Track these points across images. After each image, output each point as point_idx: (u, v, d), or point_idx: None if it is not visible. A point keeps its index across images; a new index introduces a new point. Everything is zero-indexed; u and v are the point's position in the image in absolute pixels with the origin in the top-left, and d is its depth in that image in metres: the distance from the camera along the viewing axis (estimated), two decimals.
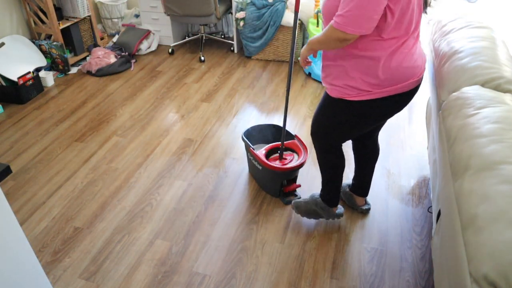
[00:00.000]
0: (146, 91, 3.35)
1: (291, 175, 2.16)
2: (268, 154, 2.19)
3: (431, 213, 2.07)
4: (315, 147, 1.86)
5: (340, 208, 2.04)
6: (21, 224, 2.09)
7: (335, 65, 1.56)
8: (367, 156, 1.97)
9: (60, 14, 3.57)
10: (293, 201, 2.09)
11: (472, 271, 0.94)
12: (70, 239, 2.01)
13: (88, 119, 2.99)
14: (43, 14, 3.45)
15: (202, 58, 3.82)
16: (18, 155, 2.61)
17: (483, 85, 1.52)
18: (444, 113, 1.50)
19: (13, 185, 2.36)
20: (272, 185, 2.21)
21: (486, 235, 0.97)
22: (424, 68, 1.60)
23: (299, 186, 2.23)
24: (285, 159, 2.19)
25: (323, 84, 1.65)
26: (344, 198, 2.18)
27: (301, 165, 2.10)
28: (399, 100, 1.58)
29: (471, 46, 1.71)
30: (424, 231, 2.01)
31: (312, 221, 2.08)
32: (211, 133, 2.78)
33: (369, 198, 2.22)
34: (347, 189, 2.16)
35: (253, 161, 2.23)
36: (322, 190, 1.99)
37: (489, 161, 1.14)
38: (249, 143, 2.21)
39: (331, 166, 1.87)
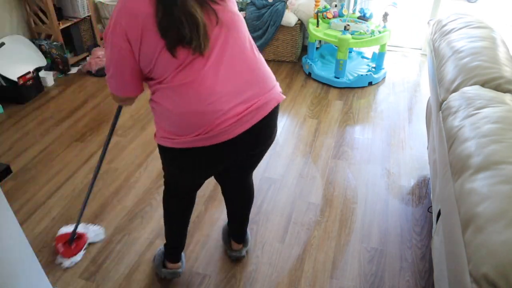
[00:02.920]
0: (146, 90, 3.35)
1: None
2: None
3: (431, 213, 2.07)
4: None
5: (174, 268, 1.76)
6: (21, 224, 2.09)
7: (151, 107, 1.38)
8: (235, 204, 1.76)
9: (60, 14, 3.57)
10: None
11: (472, 271, 0.94)
12: None
13: (88, 119, 2.99)
14: (43, 14, 3.45)
15: None
16: (18, 155, 2.61)
17: (483, 85, 1.52)
18: (444, 113, 1.50)
19: (13, 185, 2.36)
20: None
21: (485, 235, 0.97)
22: (250, 110, 1.24)
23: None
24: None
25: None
26: (222, 237, 1.97)
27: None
28: (209, 154, 1.27)
29: (471, 46, 1.71)
30: (424, 231, 2.01)
31: (312, 221, 2.08)
32: None
33: (369, 198, 2.22)
34: (227, 228, 1.92)
35: None
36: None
37: (489, 161, 1.14)
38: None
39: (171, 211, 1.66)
